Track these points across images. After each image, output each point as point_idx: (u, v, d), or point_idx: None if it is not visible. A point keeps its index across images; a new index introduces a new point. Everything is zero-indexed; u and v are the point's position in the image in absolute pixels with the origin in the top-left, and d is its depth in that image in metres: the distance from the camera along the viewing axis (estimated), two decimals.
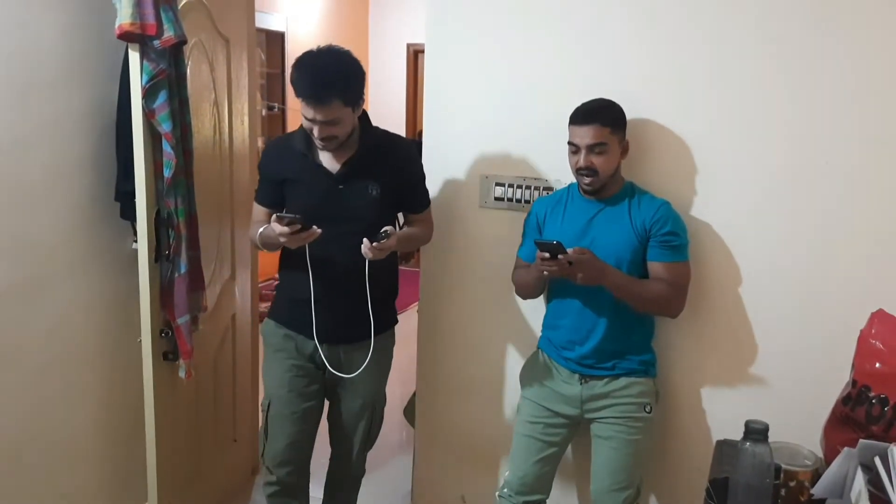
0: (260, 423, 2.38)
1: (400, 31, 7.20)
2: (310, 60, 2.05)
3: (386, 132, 2.29)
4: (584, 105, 2.13)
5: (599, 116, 2.09)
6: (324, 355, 2.26)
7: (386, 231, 2.07)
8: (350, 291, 2.21)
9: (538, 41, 2.37)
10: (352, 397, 2.36)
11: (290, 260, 2.26)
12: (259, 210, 2.31)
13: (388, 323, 2.37)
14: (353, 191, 2.18)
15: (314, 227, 2.03)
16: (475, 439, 2.67)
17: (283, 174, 2.23)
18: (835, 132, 2.09)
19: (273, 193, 2.26)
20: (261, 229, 2.19)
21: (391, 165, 2.23)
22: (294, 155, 2.20)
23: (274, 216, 2.03)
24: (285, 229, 2.00)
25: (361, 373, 2.26)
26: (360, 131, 2.19)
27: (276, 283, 2.40)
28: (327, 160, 2.19)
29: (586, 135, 2.08)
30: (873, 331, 1.72)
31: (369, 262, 2.12)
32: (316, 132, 2.07)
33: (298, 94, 2.02)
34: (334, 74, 2.03)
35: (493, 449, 2.59)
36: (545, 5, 2.34)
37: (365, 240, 2.05)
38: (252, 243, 2.40)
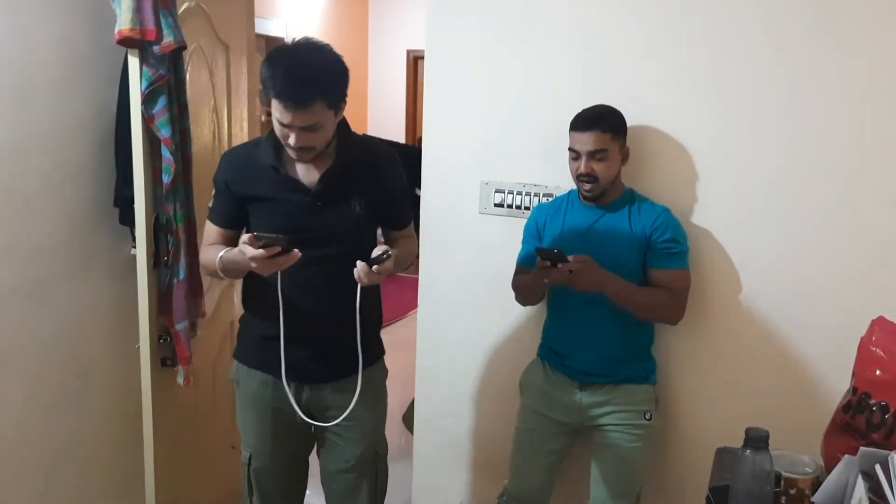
0: (242, 477, 2.14)
1: (400, 37, 7.21)
2: (287, 55, 1.77)
3: (365, 138, 2.07)
4: (584, 111, 2.13)
5: (600, 123, 2.09)
6: (304, 400, 2.01)
7: (387, 253, 1.83)
8: (333, 321, 1.97)
9: (539, 47, 2.37)
10: (349, 444, 2.08)
11: (257, 290, 1.98)
12: (213, 231, 1.98)
13: (378, 353, 2.13)
14: (333, 208, 1.91)
15: (295, 249, 1.73)
16: (474, 446, 2.66)
17: (248, 190, 1.92)
18: (835, 138, 2.09)
19: (234, 212, 1.95)
20: (220, 253, 1.86)
21: (375, 177, 1.98)
22: (261, 168, 1.90)
23: (246, 236, 1.73)
24: (260, 252, 1.69)
25: (357, 410, 1.98)
26: (337, 139, 1.92)
27: (242, 315, 2.10)
28: (302, 173, 1.91)
29: (587, 141, 2.08)
30: (874, 338, 1.71)
31: (359, 287, 1.89)
32: (292, 140, 1.78)
33: (273, 94, 1.73)
34: (317, 71, 1.75)
35: (493, 456, 2.58)
36: (546, 12, 2.34)
37: (360, 263, 1.81)
38: (205, 270, 2.01)
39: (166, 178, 2.19)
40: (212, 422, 2.80)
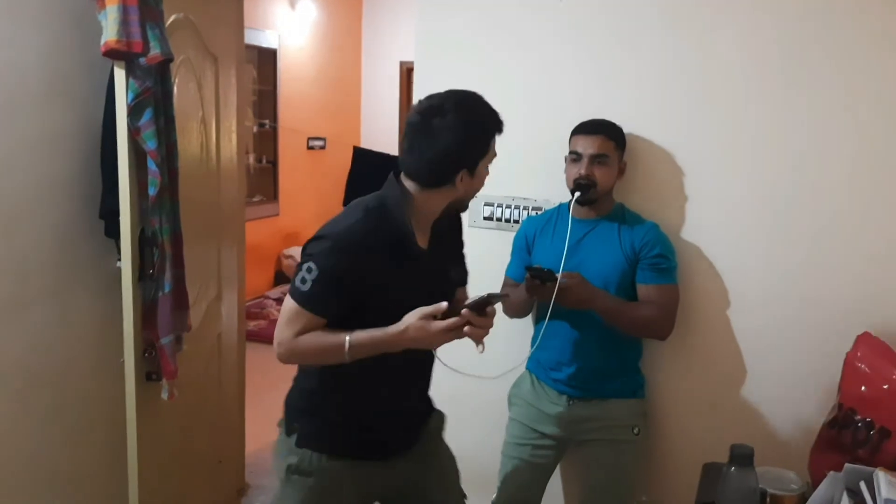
0: None
1: (392, 49, 7.23)
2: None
3: None
4: (589, 120, 2.17)
5: (605, 129, 2.13)
6: (397, 476, 1.88)
7: (489, 294, 1.65)
8: (421, 384, 1.91)
9: (528, 62, 2.38)
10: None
11: (354, 375, 1.71)
12: (309, 320, 1.65)
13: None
14: (441, 271, 1.79)
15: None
16: (462, 460, 2.62)
17: (377, 272, 1.65)
18: (823, 156, 2.10)
19: (347, 302, 1.66)
20: (348, 337, 1.62)
21: (458, 229, 1.90)
22: (388, 241, 1.66)
23: (443, 306, 1.58)
24: (453, 321, 1.58)
25: (448, 464, 2.04)
26: None
27: (320, 399, 1.81)
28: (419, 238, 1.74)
29: (591, 144, 2.10)
30: (859, 354, 1.72)
31: None
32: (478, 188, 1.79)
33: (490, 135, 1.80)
34: None
35: (481, 470, 2.56)
36: (535, 26, 2.35)
37: (466, 311, 1.62)
38: (305, 357, 1.72)
39: (152, 191, 2.17)
40: (198, 436, 2.77)
